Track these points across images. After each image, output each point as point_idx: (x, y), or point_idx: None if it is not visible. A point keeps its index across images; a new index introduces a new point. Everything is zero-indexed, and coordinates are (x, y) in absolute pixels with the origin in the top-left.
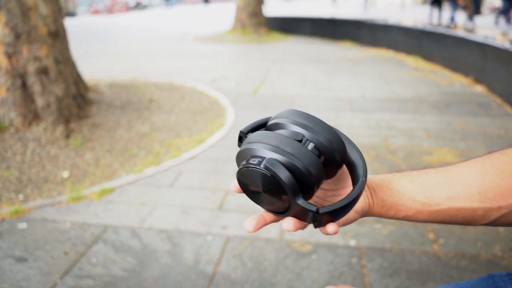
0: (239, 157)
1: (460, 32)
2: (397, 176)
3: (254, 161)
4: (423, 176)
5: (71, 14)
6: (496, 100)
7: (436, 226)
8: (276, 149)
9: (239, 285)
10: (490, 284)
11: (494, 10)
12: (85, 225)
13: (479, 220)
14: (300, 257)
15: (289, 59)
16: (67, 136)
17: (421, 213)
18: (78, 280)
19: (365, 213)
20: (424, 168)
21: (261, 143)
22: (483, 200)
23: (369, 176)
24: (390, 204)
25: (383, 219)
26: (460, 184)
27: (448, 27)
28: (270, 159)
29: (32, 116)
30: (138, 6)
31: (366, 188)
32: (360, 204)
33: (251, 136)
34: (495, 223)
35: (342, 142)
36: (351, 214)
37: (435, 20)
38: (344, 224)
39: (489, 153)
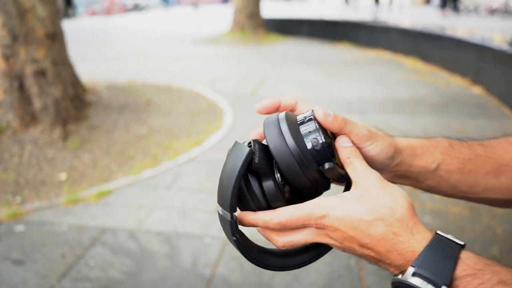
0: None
1: (457, 34)
2: (449, 158)
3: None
4: (475, 162)
5: (69, 15)
6: (493, 102)
7: (434, 227)
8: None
9: None
10: None
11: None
12: (82, 228)
13: (504, 207)
14: None
15: (287, 61)
16: (65, 138)
17: (454, 195)
18: (76, 283)
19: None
20: (478, 143)
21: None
22: None
23: (417, 144)
24: (424, 184)
25: None
26: (506, 175)
27: None
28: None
29: (29, 118)
30: (136, 7)
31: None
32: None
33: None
34: None
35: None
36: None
37: None
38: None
39: None
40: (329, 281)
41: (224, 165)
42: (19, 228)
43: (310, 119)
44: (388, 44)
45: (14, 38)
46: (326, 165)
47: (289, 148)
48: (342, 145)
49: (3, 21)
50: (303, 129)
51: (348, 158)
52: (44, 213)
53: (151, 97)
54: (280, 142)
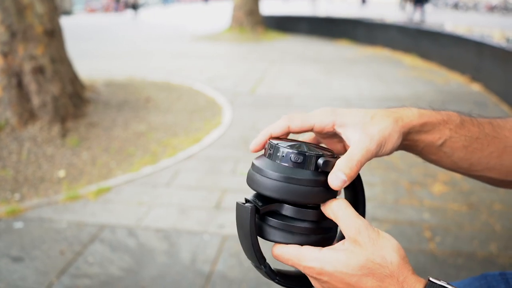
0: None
1: (456, 31)
2: (457, 135)
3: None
4: (481, 142)
5: (67, 12)
6: (492, 99)
7: (433, 224)
8: None
9: (236, 284)
10: (483, 284)
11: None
12: (81, 225)
13: (499, 186)
14: None
15: (287, 58)
16: (64, 135)
17: (453, 170)
18: (75, 280)
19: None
20: (488, 121)
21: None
22: None
23: (428, 119)
24: (426, 157)
25: (380, 217)
26: (509, 157)
27: None
28: None
29: (28, 115)
30: (134, 5)
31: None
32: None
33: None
34: None
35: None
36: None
37: None
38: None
39: None
40: None
41: (237, 228)
42: (18, 225)
43: (273, 145)
44: (387, 41)
45: (13, 34)
46: (320, 161)
47: (280, 180)
48: None
49: (1, 17)
50: (274, 155)
51: (331, 210)
52: (43, 210)
53: (150, 94)
54: (266, 180)
